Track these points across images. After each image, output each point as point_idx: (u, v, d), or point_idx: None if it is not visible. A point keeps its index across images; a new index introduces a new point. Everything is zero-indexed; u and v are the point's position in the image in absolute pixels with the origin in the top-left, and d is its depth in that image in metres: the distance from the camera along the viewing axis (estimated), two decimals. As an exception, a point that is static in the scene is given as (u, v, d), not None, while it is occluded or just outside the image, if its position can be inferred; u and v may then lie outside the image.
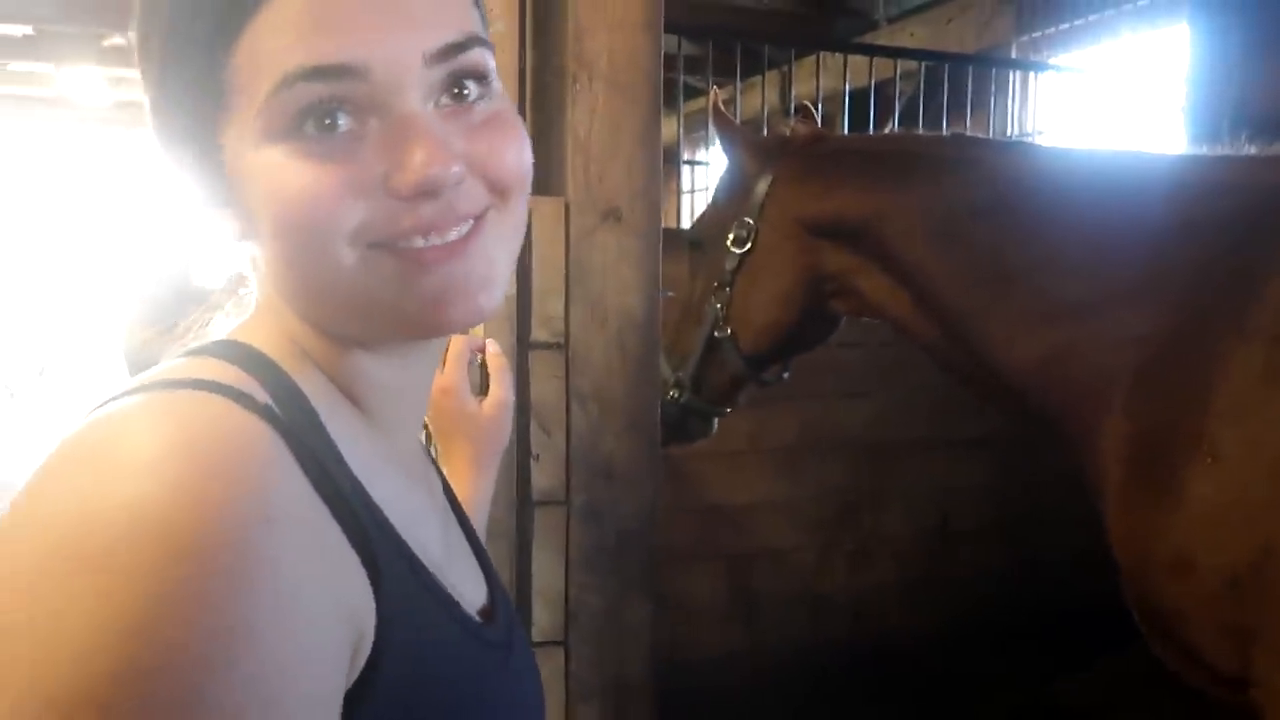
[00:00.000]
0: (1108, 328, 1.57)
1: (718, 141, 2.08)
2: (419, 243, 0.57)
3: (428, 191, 0.55)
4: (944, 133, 1.98)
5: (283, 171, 0.54)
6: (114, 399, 0.53)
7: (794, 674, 3.12)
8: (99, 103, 6.87)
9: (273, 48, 0.53)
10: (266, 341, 0.61)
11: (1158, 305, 1.53)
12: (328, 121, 0.54)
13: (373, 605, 0.53)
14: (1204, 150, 1.74)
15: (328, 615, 0.49)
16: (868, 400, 3.27)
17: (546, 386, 1.56)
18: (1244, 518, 1.35)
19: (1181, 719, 2.76)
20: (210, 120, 0.56)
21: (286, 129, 0.54)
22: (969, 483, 3.39)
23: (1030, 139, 4.15)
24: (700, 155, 6.04)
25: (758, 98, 3.43)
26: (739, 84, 3.15)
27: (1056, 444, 1.73)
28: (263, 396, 0.54)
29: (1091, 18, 4.22)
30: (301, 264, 0.57)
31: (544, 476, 1.59)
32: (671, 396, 2.03)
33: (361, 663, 0.52)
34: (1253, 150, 1.65)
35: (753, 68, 3.61)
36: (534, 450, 1.57)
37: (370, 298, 0.57)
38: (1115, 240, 1.60)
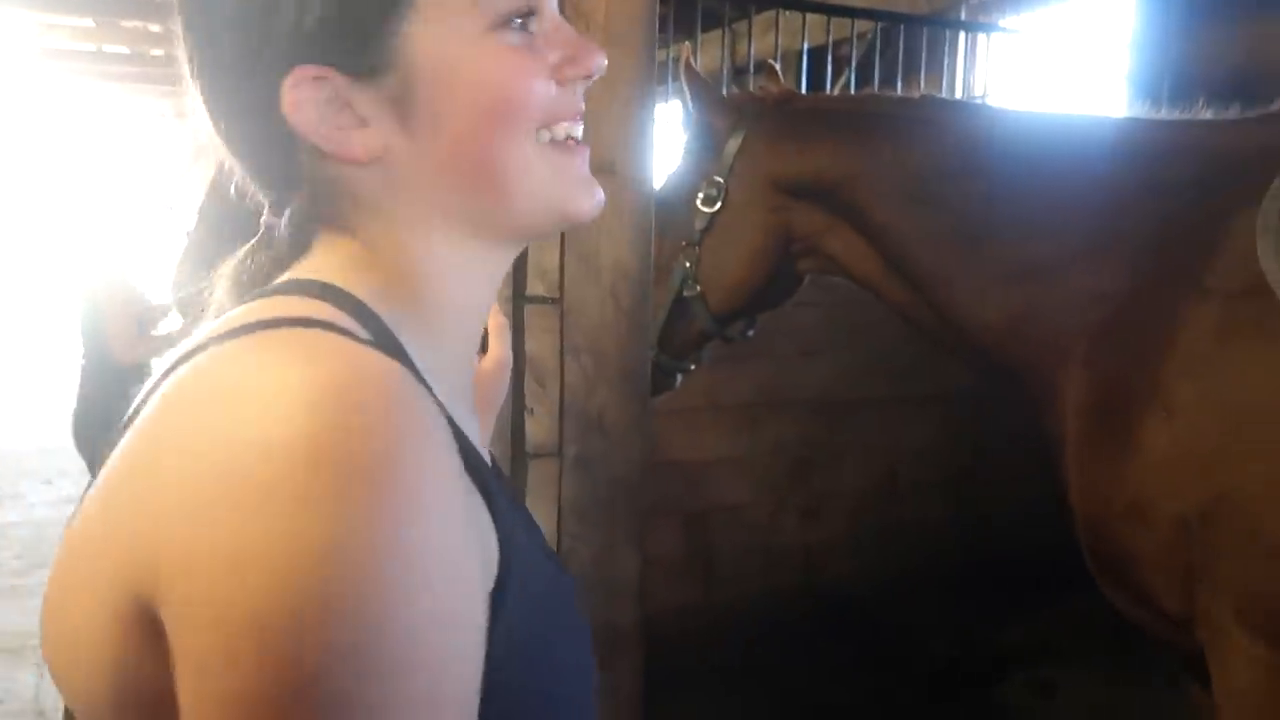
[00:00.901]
0: (1071, 287, 1.62)
1: (685, 97, 2.07)
2: (567, 131, 0.65)
3: (586, 78, 0.65)
4: (915, 95, 1.99)
5: (499, 61, 0.60)
6: (214, 340, 0.54)
7: (748, 625, 3.19)
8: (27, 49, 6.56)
9: None
10: (343, 278, 0.61)
11: (1118, 264, 1.59)
12: (521, 21, 0.61)
13: (493, 528, 0.56)
14: (1153, 113, 1.79)
15: (474, 537, 0.53)
16: (822, 359, 3.33)
17: (541, 340, 1.56)
18: (1196, 467, 1.41)
19: (1112, 658, 2.91)
20: (382, 14, 0.58)
21: (497, 25, 0.60)
22: (917, 439, 3.47)
23: (980, 99, 4.20)
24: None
25: (716, 52, 3.42)
26: (698, 39, 3.13)
27: (1020, 400, 1.79)
28: (362, 332, 0.56)
29: (1041, -20, 4.28)
30: (502, 146, 0.61)
31: (538, 429, 1.60)
32: None
33: (490, 584, 0.54)
34: (1208, 115, 1.70)
35: (711, 23, 3.60)
36: (529, 404, 1.57)
37: (543, 183, 0.64)
38: (1078, 202, 1.64)
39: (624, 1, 1.51)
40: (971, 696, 3.08)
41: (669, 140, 4.21)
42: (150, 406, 0.54)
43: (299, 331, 0.53)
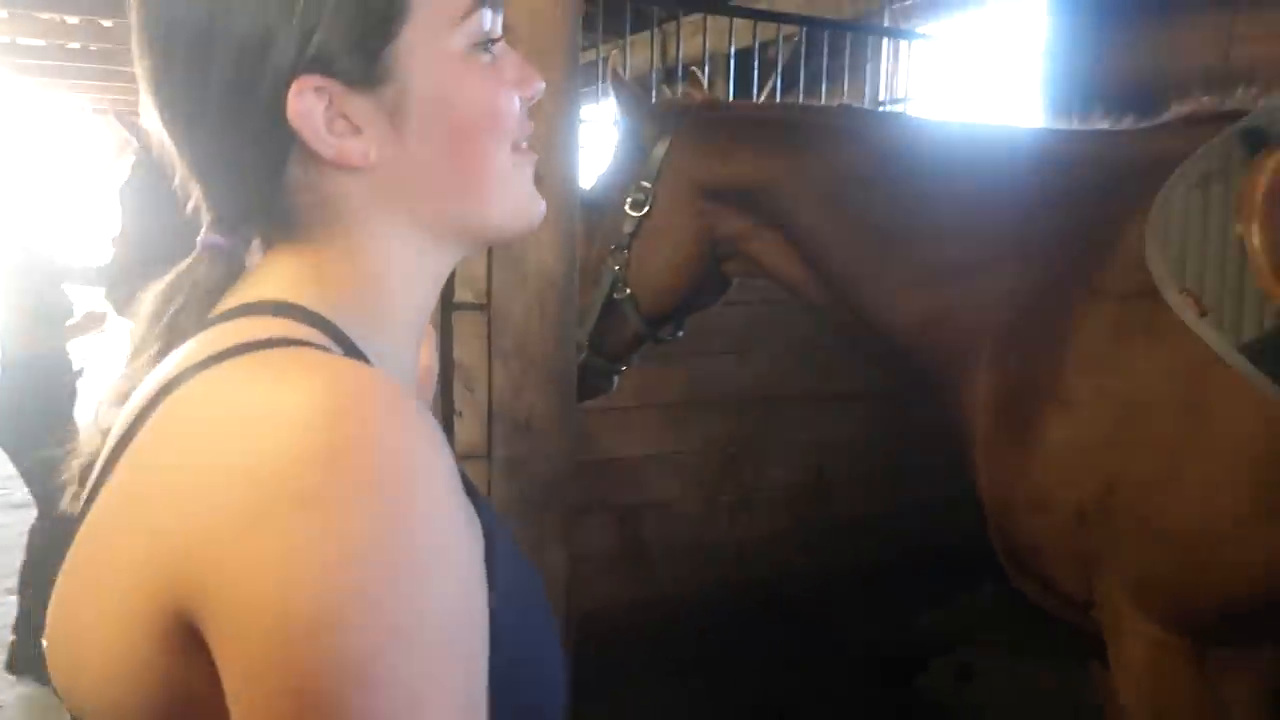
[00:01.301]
0: (979, 289, 1.70)
1: (611, 102, 2.10)
2: (525, 145, 0.71)
3: (530, 99, 0.70)
4: (834, 104, 2.06)
5: (481, 79, 0.66)
6: (197, 364, 0.58)
7: (681, 619, 3.24)
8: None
9: None
10: (299, 295, 0.64)
11: (1023, 267, 1.66)
12: (492, 44, 0.67)
13: (479, 524, 0.61)
14: (1062, 122, 1.87)
15: (474, 532, 0.59)
16: (750, 357, 3.39)
17: (470, 346, 1.58)
18: (1091, 458, 1.50)
19: (1026, 642, 3.03)
20: (383, 29, 0.62)
21: (473, 46, 0.65)
22: (843, 435, 3.56)
23: (901, 104, 4.31)
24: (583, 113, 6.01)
25: (645, 54, 3.46)
26: (627, 41, 3.16)
27: (934, 399, 1.86)
28: (335, 347, 0.62)
29: (959, -12, 4.41)
30: (479, 157, 0.67)
31: (467, 432, 1.62)
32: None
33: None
34: (1106, 125, 1.79)
35: (640, 25, 3.63)
36: (457, 408, 1.59)
37: (514, 190, 0.70)
38: (987, 208, 1.72)
39: (547, 14, 1.53)
40: (897, 684, 3.18)
41: (597, 140, 4.24)
42: (151, 433, 0.57)
43: (292, 351, 0.58)
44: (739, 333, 3.33)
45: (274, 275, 0.66)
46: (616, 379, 2.18)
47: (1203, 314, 1.42)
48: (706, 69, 2.43)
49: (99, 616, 0.55)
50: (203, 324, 0.64)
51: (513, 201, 0.70)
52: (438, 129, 0.64)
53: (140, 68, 0.63)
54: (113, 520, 0.57)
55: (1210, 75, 3.30)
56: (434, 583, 0.50)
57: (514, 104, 0.67)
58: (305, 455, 0.50)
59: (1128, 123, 1.77)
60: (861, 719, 2.95)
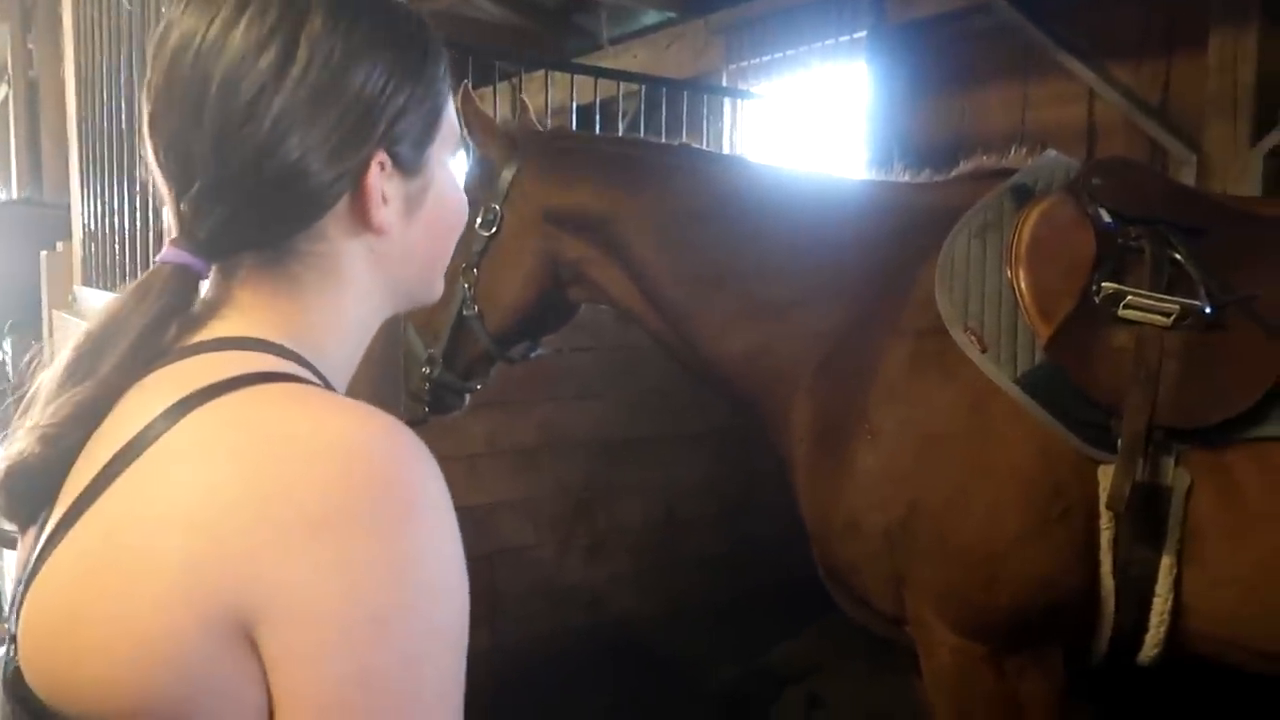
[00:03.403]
0: (797, 325, 1.82)
1: (466, 134, 2.13)
2: None
3: None
4: (674, 142, 2.16)
5: (458, 191, 0.85)
6: (205, 391, 0.65)
7: (537, 666, 3.23)
8: None
9: (455, 115, 0.83)
10: (279, 334, 0.73)
11: (836, 306, 1.80)
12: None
13: None
14: (878, 173, 2.04)
15: None
16: (599, 401, 3.45)
17: None
18: (895, 484, 1.63)
19: (871, 670, 3.18)
20: (429, 137, 0.78)
21: (451, 158, 0.83)
22: (691, 475, 3.65)
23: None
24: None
25: (489, 109, 3.53)
26: (494, 89, 3.23)
27: (762, 429, 1.97)
28: (319, 384, 0.72)
29: (789, 52, 4.70)
30: (446, 248, 0.85)
31: None
32: (425, 372, 2.07)
33: None
34: (908, 177, 1.97)
35: (484, 79, 3.71)
36: None
37: (442, 274, 0.87)
38: (805, 250, 1.85)
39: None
40: (752, 717, 3.26)
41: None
42: (181, 449, 0.63)
43: (300, 386, 0.67)
44: (586, 377, 3.39)
45: (251, 306, 0.73)
46: (468, 397, 2.19)
47: (984, 350, 1.59)
48: (548, 122, 2.52)
49: (128, 611, 0.61)
50: (175, 346, 0.70)
51: (438, 282, 0.86)
52: (434, 218, 0.81)
53: (206, 94, 0.69)
54: (140, 527, 0.62)
55: (1009, 135, 3.65)
56: (455, 597, 0.63)
57: (466, 210, 0.86)
58: (360, 481, 0.60)
59: (924, 176, 1.95)
60: (715, 754, 3.01)
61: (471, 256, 2.02)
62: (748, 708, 3.29)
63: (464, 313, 2.04)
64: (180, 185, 0.71)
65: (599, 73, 3.44)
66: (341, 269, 0.76)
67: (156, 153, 0.72)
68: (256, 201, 0.70)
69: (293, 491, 0.60)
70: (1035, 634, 1.61)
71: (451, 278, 2.05)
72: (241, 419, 0.64)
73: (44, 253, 3.91)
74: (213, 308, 0.73)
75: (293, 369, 0.70)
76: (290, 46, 0.68)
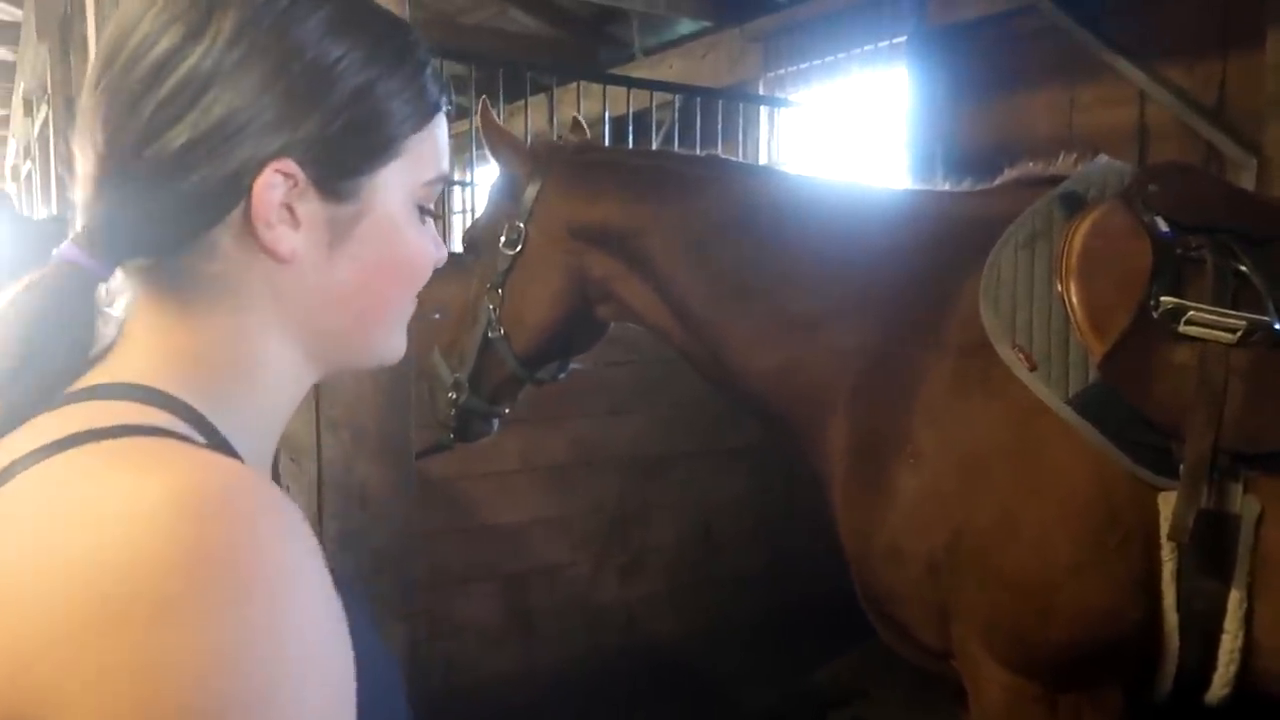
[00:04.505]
0: (831, 341, 1.74)
1: (488, 152, 2.10)
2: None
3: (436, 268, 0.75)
4: (701, 153, 2.10)
5: (418, 234, 0.72)
6: (36, 452, 0.54)
7: (571, 687, 3.17)
8: None
9: (440, 147, 0.72)
10: (160, 375, 0.62)
11: (873, 321, 1.72)
12: (427, 215, 0.73)
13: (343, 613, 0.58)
14: (919, 181, 1.96)
15: (342, 616, 0.55)
16: (634, 417, 3.40)
17: (296, 417, 1.52)
18: (939, 508, 1.54)
19: (918, 696, 3.07)
20: (371, 158, 0.67)
21: (421, 210, 0.72)
22: (729, 492, 3.58)
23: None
24: (467, 176, 6.04)
25: (521, 122, 3.50)
26: (502, 107, 3.20)
27: (795, 448, 1.89)
28: (197, 436, 0.59)
29: (827, 59, 4.62)
30: (390, 298, 0.72)
31: None
32: (451, 397, 2.03)
33: None
34: (948, 185, 1.89)
35: (516, 92, 3.68)
36: (284, 481, 1.53)
37: (393, 333, 0.74)
38: (842, 261, 1.77)
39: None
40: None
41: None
42: (16, 519, 0.52)
43: (148, 441, 0.55)
44: (623, 393, 3.34)
45: (141, 342, 0.64)
46: (497, 422, 2.14)
47: (1033, 368, 1.50)
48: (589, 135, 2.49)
49: None
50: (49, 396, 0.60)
51: (388, 340, 0.73)
52: (371, 258, 0.68)
53: (110, 72, 0.62)
54: None
55: (1056, 141, 3.53)
56: (306, 696, 0.48)
57: (430, 263, 0.73)
58: (164, 558, 0.47)
59: (966, 184, 1.87)
60: (754, 780, 2.93)
61: (496, 276, 1.98)
62: (789, 732, 3.20)
63: (489, 334, 1.99)
64: (79, 169, 0.65)
65: (633, 83, 3.39)
66: (241, 300, 0.65)
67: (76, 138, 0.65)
68: (137, 194, 0.62)
69: (89, 573, 0.47)
70: (1092, 671, 1.52)
71: (478, 299, 2.01)
72: (55, 483, 0.52)
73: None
74: (114, 343, 0.65)
75: (164, 421, 0.58)
76: (200, 25, 0.62)
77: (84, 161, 0.64)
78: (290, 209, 0.64)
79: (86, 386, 0.60)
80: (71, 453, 0.53)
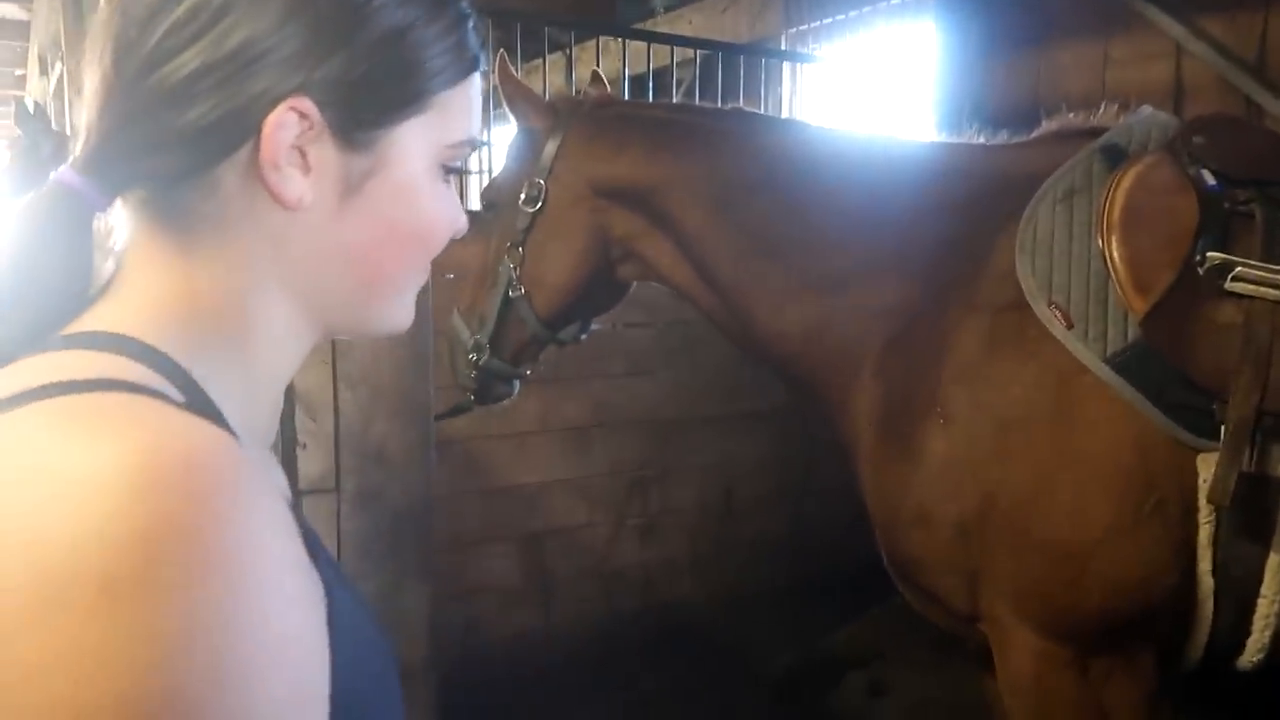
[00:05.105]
0: (860, 300, 1.70)
1: (506, 108, 2.05)
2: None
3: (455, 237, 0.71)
4: (727, 106, 2.03)
5: (436, 197, 0.67)
6: (9, 401, 0.49)
7: (589, 648, 3.18)
8: None
9: (473, 108, 0.68)
10: (145, 325, 0.57)
11: (904, 279, 1.67)
12: (451, 176, 0.69)
13: (320, 587, 0.54)
14: (948, 138, 1.90)
15: (312, 606, 0.52)
16: (654, 379, 3.37)
17: (312, 373, 1.51)
18: (970, 471, 1.50)
19: (936, 657, 3.06)
20: (403, 107, 0.63)
21: (446, 170, 0.68)
22: (750, 455, 3.56)
23: (799, 126, 4.37)
24: (483, 135, 5.98)
25: (539, 81, 3.44)
26: (519, 67, 3.13)
27: (819, 410, 1.85)
28: (175, 393, 0.54)
29: (851, 13, 4.50)
30: (399, 262, 0.67)
31: (312, 464, 1.53)
32: (472, 359, 1.99)
33: None
34: (984, 139, 1.82)
35: (534, 51, 3.61)
36: (300, 439, 1.51)
37: (400, 301, 0.69)
38: (870, 218, 1.72)
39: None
40: (809, 703, 3.17)
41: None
42: None
43: (110, 398, 0.50)
44: (640, 354, 3.31)
45: (133, 287, 0.60)
46: (518, 384, 2.11)
47: (1070, 326, 1.45)
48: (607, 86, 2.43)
49: None
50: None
51: (394, 309, 0.69)
52: (382, 216, 0.64)
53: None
54: None
55: (1089, 97, 3.43)
56: (268, 681, 0.44)
57: (447, 230, 0.69)
58: (112, 533, 0.43)
59: (1001, 138, 1.80)
60: (772, 741, 2.93)
61: (516, 235, 1.93)
62: (806, 694, 3.20)
63: (510, 294, 1.95)
64: (85, 89, 0.61)
65: (653, 38, 3.32)
66: (240, 245, 0.61)
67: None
68: (141, 119, 0.58)
69: (29, 549, 0.43)
70: (1124, 636, 1.48)
71: (497, 259, 1.97)
72: (6, 442, 0.48)
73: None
74: (108, 284, 0.61)
75: (139, 376, 0.53)
76: None
77: (90, 81, 0.60)
78: (302, 153, 0.60)
79: (70, 333, 0.56)
80: (32, 407, 0.49)
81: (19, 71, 7.32)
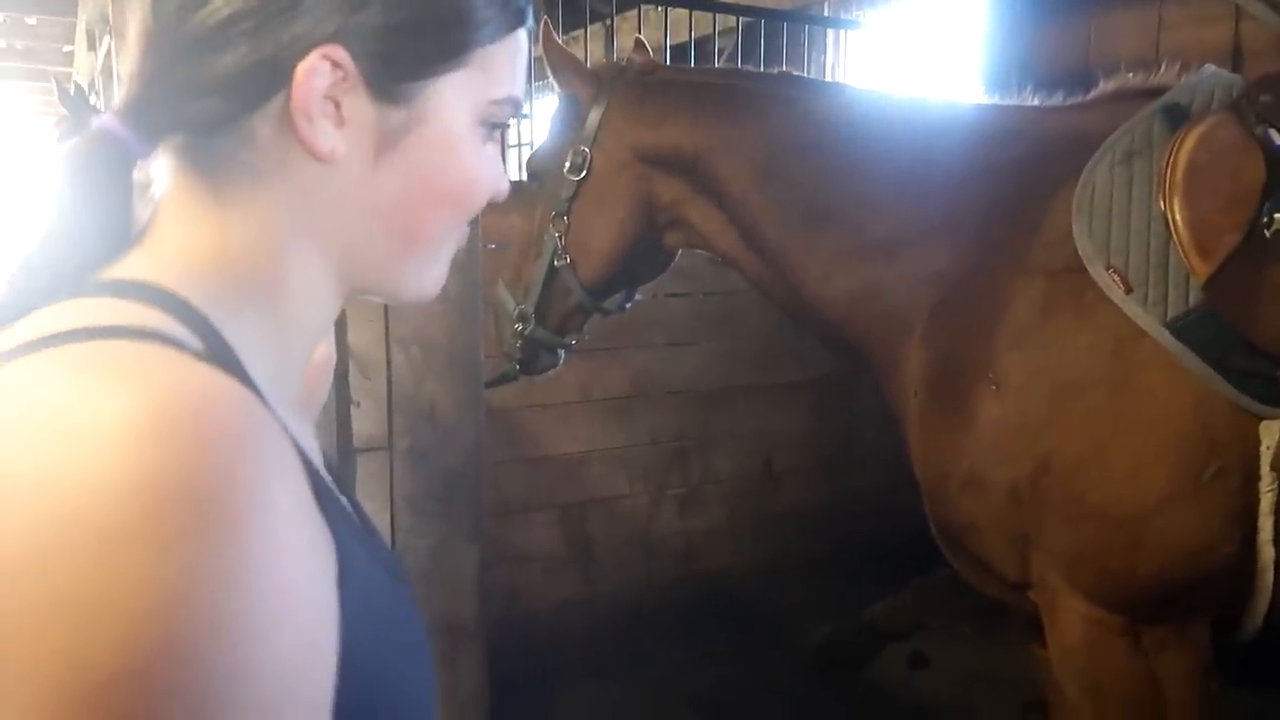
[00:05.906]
0: (911, 264, 1.68)
1: (550, 75, 2.04)
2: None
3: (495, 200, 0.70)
4: (773, 70, 2.01)
5: (476, 156, 0.65)
6: (18, 349, 0.49)
7: (629, 616, 3.21)
8: None
9: (518, 65, 0.66)
10: (176, 275, 0.57)
11: (955, 243, 1.65)
12: (494, 133, 0.67)
13: (333, 546, 0.53)
14: (998, 100, 1.86)
15: (320, 561, 0.51)
16: (694, 349, 3.36)
17: (365, 332, 1.52)
18: (1024, 437, 1.48)
19: (978, 625, 3.04)
20: (442, 60, 0.61)
21: (490, 127, 0.66)
22: (790, 425, 3.55)
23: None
24: (525, 109, 5.98)
25: (580, 51, 3.42)
26: (561, 37, 3.12)
27: (868, 376, 1.84)
28: (195, 342, 0.53)
29: (896, -22, 4.42)
30: (433, 222, 0.65)
31: (366, 422, 1.55)
32: (517, 329, 2.00)
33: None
34: (1037, 101, 1.78)
35: (575, 22, 3.59)
36: (354, 397, 1.52)
37: (433, 263, 0.68)
38: (919, 182, 1.69)
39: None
40: (849, 673, 3.17)
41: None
42: None
43: (125, 345, 0.49)
44: (681, 325, 3.30)
45: (165, 235, 0.59)
46: (562, 354, 2.11)
47: (1129, 291, 1.42)
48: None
49: None
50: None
51: (426, 271, 0.68)
52: (417, 173, 0.62)
53: None
54: None
55: (1142, 61, 3.34)
56: (269, 633, 0.44)
57: (486, 191, 0.67)
58: (118, 480, 0.42)
59: (1056, 99, 1.76)
60: (812, 710, 2.94)
61: (561, 204, 1.93)
62: (846, 664, 3.20)
63: (555, 263, 1.95)
64: (128, 37, 0.61)
65: (695, 4, 3.28)
66: (272, 197, 0.60)
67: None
68: (178, 66, 0.58)
69: (30, 494, 0.42)
70: (1178, 606, 1.46)
71: (542, 228, 1.97)
72: (16, 387, 0.47)
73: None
74: (143, 231, 0.60)
75: (158, 323, 0.52)
76: None
77: (131, 28, 0.60)
78: (336, 104, 0.59)
79: (103, 280, 0.56)
80: (46, 353, 0.48)
81: (67, 48, 7.41)
